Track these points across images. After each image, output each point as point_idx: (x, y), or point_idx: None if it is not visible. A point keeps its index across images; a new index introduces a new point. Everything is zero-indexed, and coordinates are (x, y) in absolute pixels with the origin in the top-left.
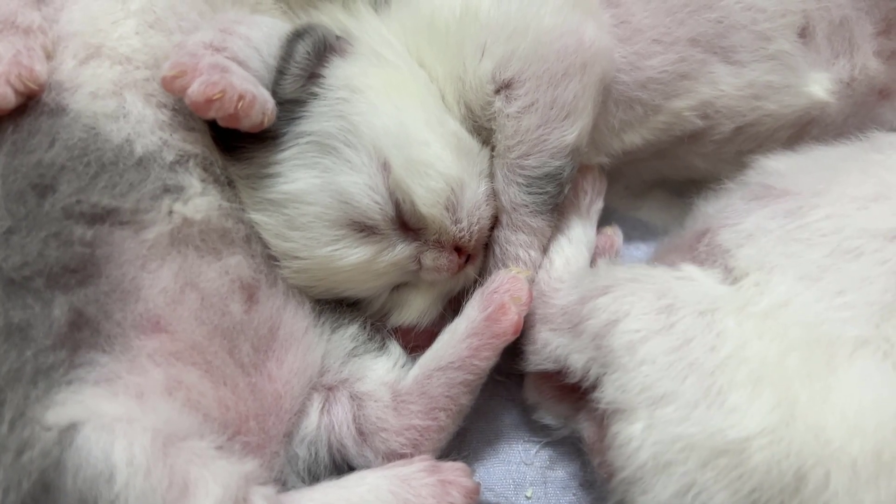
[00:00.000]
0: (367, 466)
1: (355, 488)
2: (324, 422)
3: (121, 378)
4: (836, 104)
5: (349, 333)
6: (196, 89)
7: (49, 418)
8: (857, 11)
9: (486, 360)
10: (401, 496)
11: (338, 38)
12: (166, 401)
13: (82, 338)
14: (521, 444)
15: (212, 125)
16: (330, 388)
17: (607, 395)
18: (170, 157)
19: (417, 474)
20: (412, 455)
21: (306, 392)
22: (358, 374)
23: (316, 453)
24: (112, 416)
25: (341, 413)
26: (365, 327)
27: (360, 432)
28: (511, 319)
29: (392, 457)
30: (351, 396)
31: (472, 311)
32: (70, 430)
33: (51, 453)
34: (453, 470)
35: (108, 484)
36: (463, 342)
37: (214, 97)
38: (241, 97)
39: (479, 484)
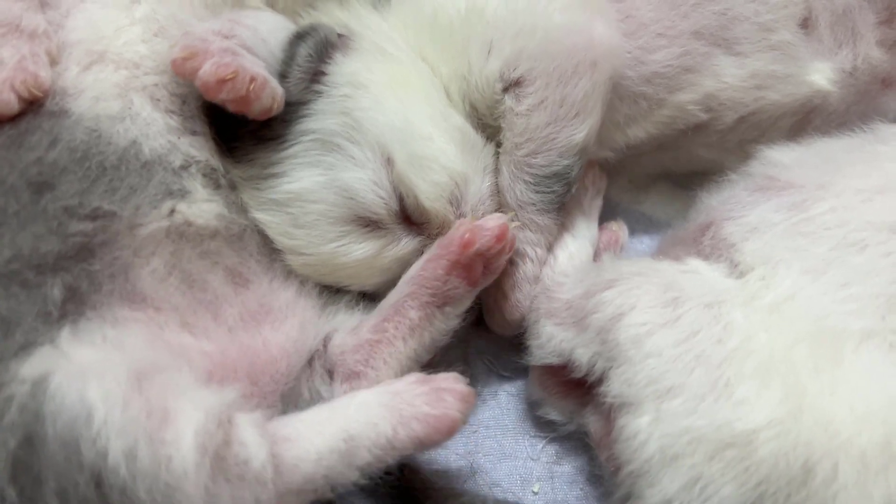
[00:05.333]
0: None
1: (346, 405)
2: (312, 389)
3: (100, 330)
4: (838, 93)
5: (343, 302)
6: (208, 70)
7: (24, 372)
8: (859, 1)
9: (433, 271)
10: (394, 407)
11: (340, 35)
12: (145, 347)
13: (70, 308)
14: (528, 440)
15: (214, 127)
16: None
17: (614, 388)
18: (177, 161)
19: (409, 386)
20: (364, 371)
21: (304, 361)
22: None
23: None
24: (84, 360)
25: (318, 368)
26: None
27: (329, 372)
28: (459, 233)
29: (351, 378)
30: (324, 348)
31: None
32: (42, 380)
33: (28, 407)
34: (445, 378)
35: (87, 423)
36: (417, 264)
37: (227, 77)
38: (252, 79)
39: (474, 390)
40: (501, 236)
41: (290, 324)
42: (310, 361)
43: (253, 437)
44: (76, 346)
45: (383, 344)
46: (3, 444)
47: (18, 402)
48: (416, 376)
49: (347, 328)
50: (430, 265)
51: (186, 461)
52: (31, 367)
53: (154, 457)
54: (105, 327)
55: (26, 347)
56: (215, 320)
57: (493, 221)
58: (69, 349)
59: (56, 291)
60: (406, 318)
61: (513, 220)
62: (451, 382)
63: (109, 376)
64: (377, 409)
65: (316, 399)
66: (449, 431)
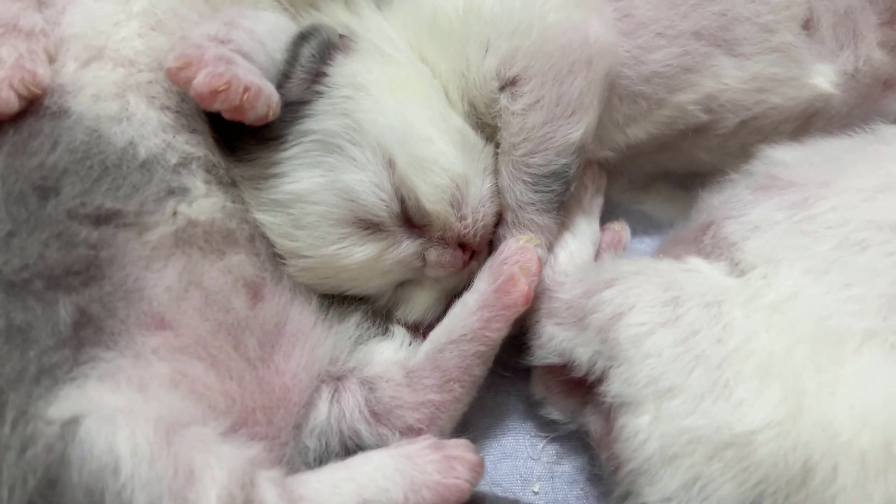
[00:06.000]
0: (384, 445)
1: (361, 468)
2: (333, 412)
3: (124, 371)
4: (840, 96)
5: (353, 321)
6: (201, 80)
7: (51, 413)
8: (861, 1)
9: (498, 331)
10: (406, 473)
11: (341, 36)
12: (170, 392)
13: (86, 336)
14: (528, 440)
15: (214, 126)
16: (339, 379)
17: (614, 388)
18: (173, 159)
19: (422, 451)
20: (428, 430)
21: (315, 385)
22: (366, 360)
23: (326, 443)
24: (114, 407)
25: (351, 400)
26: (367, 314)
27: (374, 413)
28: (521, 290)
29: (409, 432)
30: (361, 382)
31: (482, 284)
32: (72, 423)
33: (54, 448)
34: (457, 446)
35: (114, 475)
36: (474, 314)
37: (220, 88)
38: (246, 89)
39: (483, 458)
40: (540, 270)
41: (300, 348)
42: (336, 395)
43: (273, 499)
44: (102, 389)
45: (450, 403)
46: (23, 482)
47: (45, 441)
48: (429, 441)
49: (386, 361)
50: (493, 325)
51: None
52: (58, 408)
53: None
54: (127, 366)
55: (46, 375)
56: (236, 349)
57: (536, 264)
58: (95, 393)
59: (64, 313)
60: (472, 376)
61: (536, 245)
62: (462, 450)
63: (138, 427)
64: (392, 474)
65: (348, 435)
66: (457, 500)
